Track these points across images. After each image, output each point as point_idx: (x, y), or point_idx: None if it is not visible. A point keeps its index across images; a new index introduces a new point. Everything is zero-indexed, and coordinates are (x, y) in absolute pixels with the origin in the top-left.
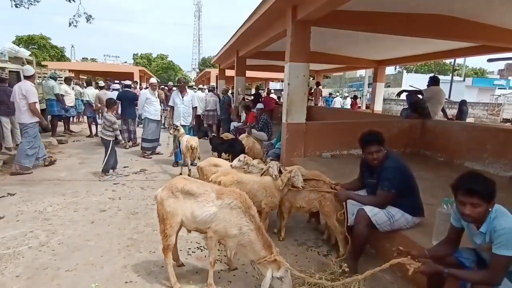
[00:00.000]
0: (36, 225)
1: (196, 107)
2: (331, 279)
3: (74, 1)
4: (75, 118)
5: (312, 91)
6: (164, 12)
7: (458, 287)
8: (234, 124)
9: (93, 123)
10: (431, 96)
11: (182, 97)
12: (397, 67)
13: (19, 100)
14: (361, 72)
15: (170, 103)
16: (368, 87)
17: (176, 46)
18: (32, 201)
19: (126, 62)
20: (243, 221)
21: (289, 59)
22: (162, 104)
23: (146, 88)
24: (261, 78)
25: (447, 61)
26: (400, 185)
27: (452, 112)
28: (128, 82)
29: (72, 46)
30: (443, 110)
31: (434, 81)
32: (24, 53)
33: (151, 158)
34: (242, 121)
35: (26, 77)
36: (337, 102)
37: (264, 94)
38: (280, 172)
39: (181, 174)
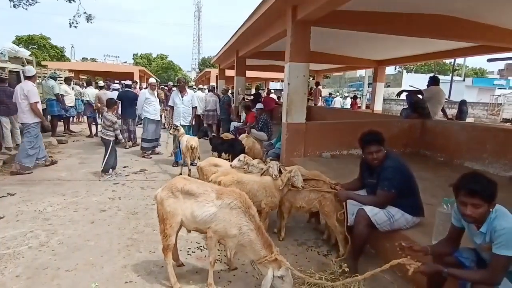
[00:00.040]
0: (36, 225)
1: (195, 106)
2: (331, 279)
3: (74, 1)
4: (75, 118)
5: (312, 91)
6: (164, 12)
7: (458, 287)
8: (234, 124)
9: (93, 123)
10: (431, 96)
11: (182, 97)
12: (397, 67)
13: (20, 101)
14: (361, 72)
15: (170, 103)
16: (368, 87)
17: (176, 46)
18: (32, 201)
19: (126, 62)
20: (243, 221)
21: (289, 59)
22: (162, 104)
23: (146, 88)
24: (261, 78)
25: (447, 61)
26: (400, 185)
27: (452, 112)
28: (128, 82)
29: (72, 46)
30: (443, 110)
31: (434, 81)
32: (24, 53)
33: (151, 158)
34: (242, 121)
35: (27, 78)
36: (337, 102)
37: (264, 94)
38: (280, 172)
39: (181, 174)
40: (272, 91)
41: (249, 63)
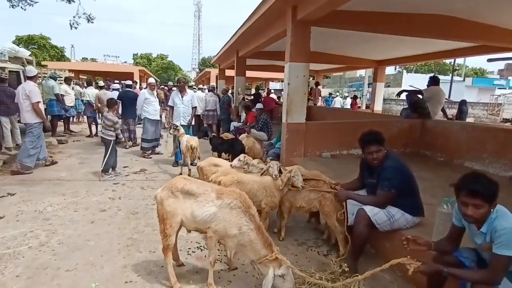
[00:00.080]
0: (36, 225)
1: (195, 106)
2: (331, 279)
3: (74, 2)
4: (75, 118)
5: (311, 91)
6: (164, 12)
7: (458, 287)
8: (234, 124)
9: (93, 123)
10: (431, 96)
11: (182, 97)
12: (397, 67)
13: (22, 101)
14: (361, 72)
15: (170, 103)
16: (368, 87)
17: (176, 46)
18: (32, 201)
19: (126, 62)
20: (242, 221)
21: (289, 59)
22: (162, 104)
23: (146, 88)
24: (261, 78)
25: (447, 61)
26: (400, 185)
27: (452, 112)
28: (129, 82)
29: (72, 46)
30: (443, 110)
31: (434, 81)
32: (24, 53)
33: (151, 158)
34: (242, 121)
35: (29, 78)
36: (337, 102)
37: (264, 94)
38: (280, 172)
39: (181, 174)
40: (272, 91)
41: (249, 63)
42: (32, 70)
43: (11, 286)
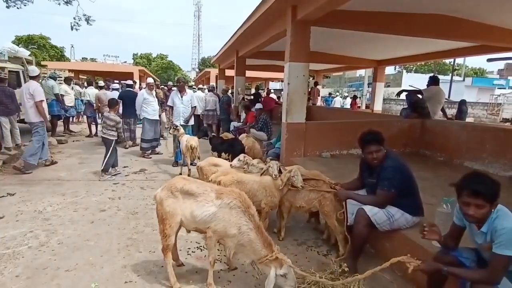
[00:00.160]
0: (35, 225)
1: (195, 106)
2: (331, 278)
3: (71, 4)
4: (74, 118)
5: (310, 90)
6: (164, 12)
7: (458, 286)
8: (234, 124)
9: (93, 123)
10: (431, 95)
11: (181, 97)
12: (397, 67)
13: (26, 100)
14: (361, 72)
15: (169, 103)
16: (368, 87)
17: (176, 46)
18: (31, 201)
19: (126, 62)
20: (242, 221)
21: (289, 59)
22: (162, 104)
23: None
24: (261, 78)
25: (447, 61)
26: (399, 185)
27: (451, 111)
28: (130, 82)
29: (72, 46)
30: (443, 110)
31: (433, 81)
32: (24, 53)
33: (150, 158)
34: (241, 121)
35: (32, 77)
36: (337, 102)
37: (264, 94)
38: (279, 171)
39: (181, 174)
40: (272, 91)
41: (249, 63)
42: (35, 69)
43: (10, 286)
